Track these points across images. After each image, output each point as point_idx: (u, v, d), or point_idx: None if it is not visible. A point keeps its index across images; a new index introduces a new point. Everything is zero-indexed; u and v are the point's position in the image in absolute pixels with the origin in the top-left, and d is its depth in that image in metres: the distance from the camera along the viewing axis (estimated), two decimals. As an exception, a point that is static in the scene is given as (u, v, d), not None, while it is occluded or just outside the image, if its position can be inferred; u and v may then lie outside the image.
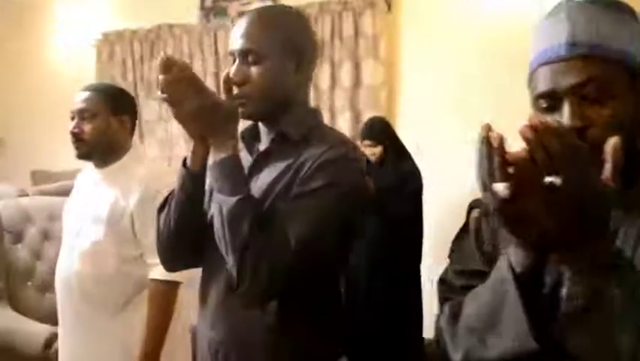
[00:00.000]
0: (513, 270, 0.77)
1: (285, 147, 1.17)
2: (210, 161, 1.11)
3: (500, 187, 0.69)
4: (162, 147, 4.31)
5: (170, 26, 4.33)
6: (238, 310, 1.15)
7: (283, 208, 1.08)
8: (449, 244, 0.97)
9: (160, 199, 1.69)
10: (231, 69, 1.16)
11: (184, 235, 1.20)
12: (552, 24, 0.84)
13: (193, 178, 1.17)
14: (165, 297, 1.79)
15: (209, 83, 4.26)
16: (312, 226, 1.06)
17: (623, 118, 0.79)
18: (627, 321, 0.68)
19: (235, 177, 1.08)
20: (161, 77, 1.04)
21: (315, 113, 1.26)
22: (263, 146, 1.23)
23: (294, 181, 1.11)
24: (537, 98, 0.85)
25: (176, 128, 4.36)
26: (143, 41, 4.44)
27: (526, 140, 0.67)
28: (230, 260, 1.05)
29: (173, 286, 1.80)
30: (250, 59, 1.14)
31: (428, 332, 3.18)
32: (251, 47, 1.14)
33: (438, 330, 0.92)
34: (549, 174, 0.67)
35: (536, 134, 0.66)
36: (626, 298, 0.68)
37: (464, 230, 1.03)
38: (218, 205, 1.07)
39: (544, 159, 0.66)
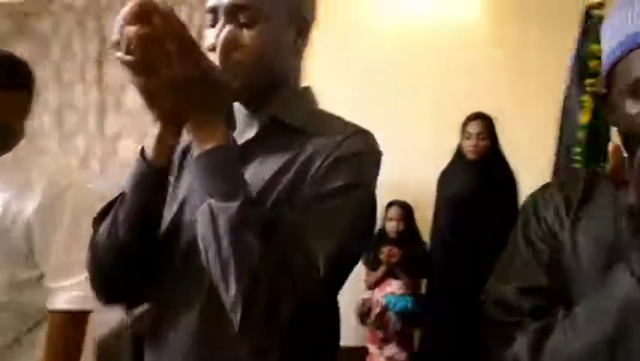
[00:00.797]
0: None
1: (281, 135, 0.91)
2: (195, 152, 0.80)
3: None
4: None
5: (49, 1, 3.74)
6: (221, 352, 0.85)
7: (299, 215, 0.81)
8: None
9: (69, 201, 1.36)
10: (210, 31, 0.87)
11: (137, 253, 0.88)
12: None
13: (157, 175, 0.85)
14: (71, 332, 1.40)
15: (91, 71, 3.75)
16: (339, 237, 0.81)
17: None
18: None
19: (232, 173, 0.79)
20: (131, 28, 0.72)
21: (312, 94, 1.00)
22: (244, 133, 0.95)
23: (301, 179, 0.85)
24: (635, 83, 0.72)
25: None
26: (14, 18, 3.79)
27: None
28: (231, 289, 0.74)
29: (82, 317, 1.41)
30: (243, 18, 0.86)
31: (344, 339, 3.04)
32: (246, 3, 0.86)
33: (510, 359, 0.77)
34: None
35: None
36: None
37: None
38: (209, 214, 0.77)
39: None
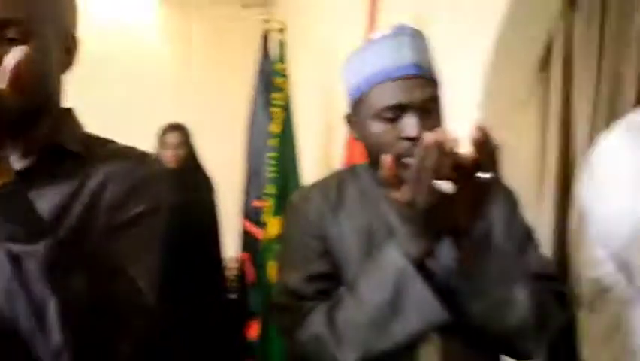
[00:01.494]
0: (409, 259, 0.83)
1: (58, 162, 0.84)
2: None
3: (445, 184, 0.75)
4: None
5: None
6: None
7: (107, 245, 0.78)
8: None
9: None
10: None
11: None
12: (394, 47, 0.95)
13: None
14: None
15: None
16: (153, 263, 0.81)
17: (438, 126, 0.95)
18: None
19: (29, 212, 0.70)
20: None
21: (76, 116, 0.95)
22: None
23: (93, 209, 0.81)
24: (384, 109, 0.93)
25: None
26: None
27: (478, 143, 0.73)
28: (53, 338, 0.67)
29: None
30: (11, 34, 0.77)
31: None
32: (17, 17, 0.77)
33: (310, 338, 0.90)
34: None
35: (484, 138, 0.74)
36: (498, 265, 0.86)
37: None
38: (10, 261, 0.67)
39: (483, 161, 0.75)
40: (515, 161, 1.72)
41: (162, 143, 2.76)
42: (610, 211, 1.01)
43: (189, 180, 2.76)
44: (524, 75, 1.71)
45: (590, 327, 1.10)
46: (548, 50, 1.69)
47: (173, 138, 2.74)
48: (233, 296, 3.00)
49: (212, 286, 2.86)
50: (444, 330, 0.86)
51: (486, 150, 0.74)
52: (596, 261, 1.07)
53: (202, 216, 2.79)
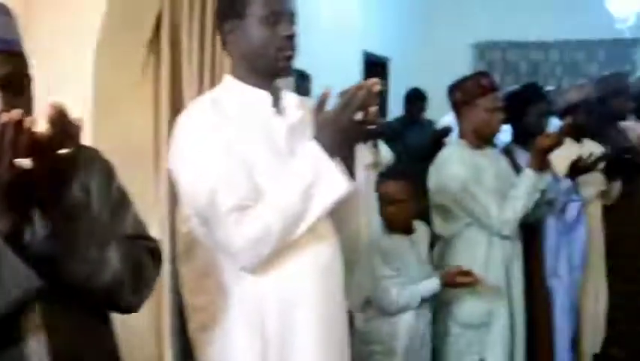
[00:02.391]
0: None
1: None
2: None
3: (25, 161, 0.79)
4: None
5: None
6: None
7: None
8: None
9: None
10: None
11: None
12: None
13: None
14: None
15: None
16: None
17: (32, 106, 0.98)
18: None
19: None
20: None
21: None
22: None
23: None
24: None
25: None
26: None
27: (53, 121, 0.79)
28: None
29: None
30: None
31: None
32: None
33: None
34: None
35: (59, 115, 0.80)
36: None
37: None
38: None
39: (61, 137, 0.81)
40: (137, 131, 1.84)
41: None
42: (189, 176, 1.21)
43: None
44: (135, 55, 1.82)
45: (186, 275, 1.30)
46: (157, 33, 1.84)
47: None
48: None
49: None
50: (44, 296, 0.91)
51: (63, 126, 0.81)
52: (185, 217, 1.26)
53: None
